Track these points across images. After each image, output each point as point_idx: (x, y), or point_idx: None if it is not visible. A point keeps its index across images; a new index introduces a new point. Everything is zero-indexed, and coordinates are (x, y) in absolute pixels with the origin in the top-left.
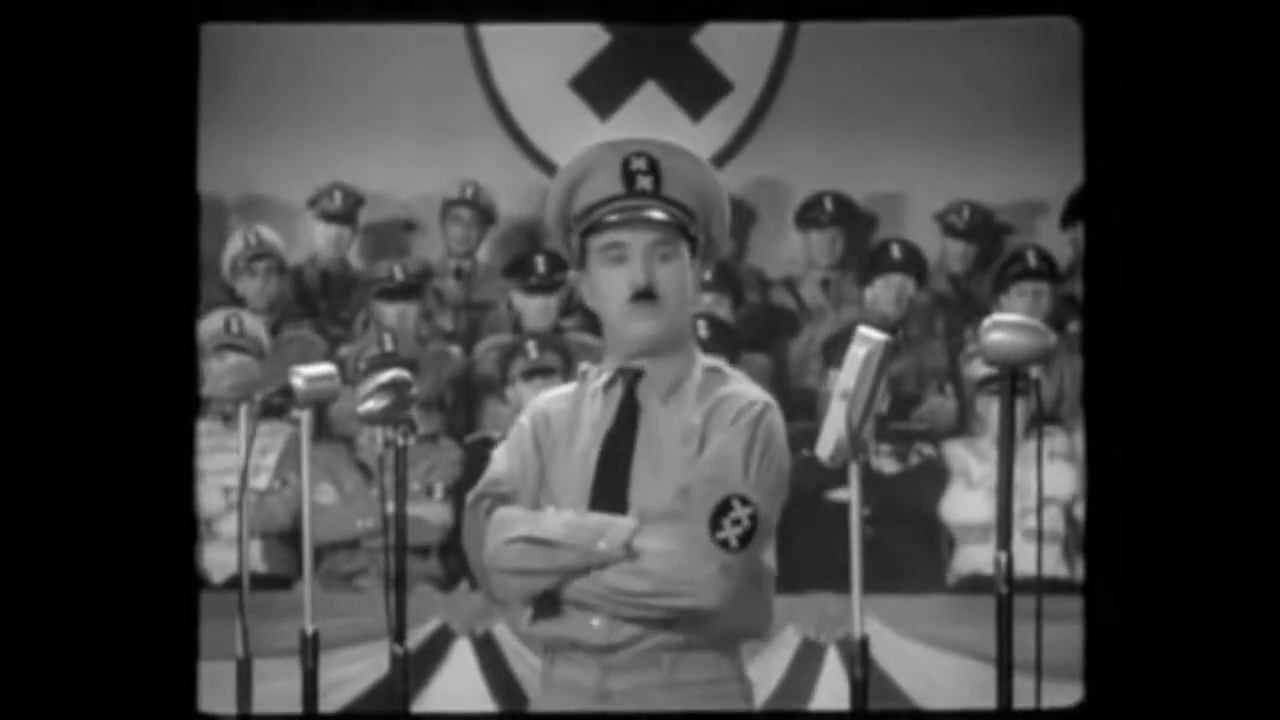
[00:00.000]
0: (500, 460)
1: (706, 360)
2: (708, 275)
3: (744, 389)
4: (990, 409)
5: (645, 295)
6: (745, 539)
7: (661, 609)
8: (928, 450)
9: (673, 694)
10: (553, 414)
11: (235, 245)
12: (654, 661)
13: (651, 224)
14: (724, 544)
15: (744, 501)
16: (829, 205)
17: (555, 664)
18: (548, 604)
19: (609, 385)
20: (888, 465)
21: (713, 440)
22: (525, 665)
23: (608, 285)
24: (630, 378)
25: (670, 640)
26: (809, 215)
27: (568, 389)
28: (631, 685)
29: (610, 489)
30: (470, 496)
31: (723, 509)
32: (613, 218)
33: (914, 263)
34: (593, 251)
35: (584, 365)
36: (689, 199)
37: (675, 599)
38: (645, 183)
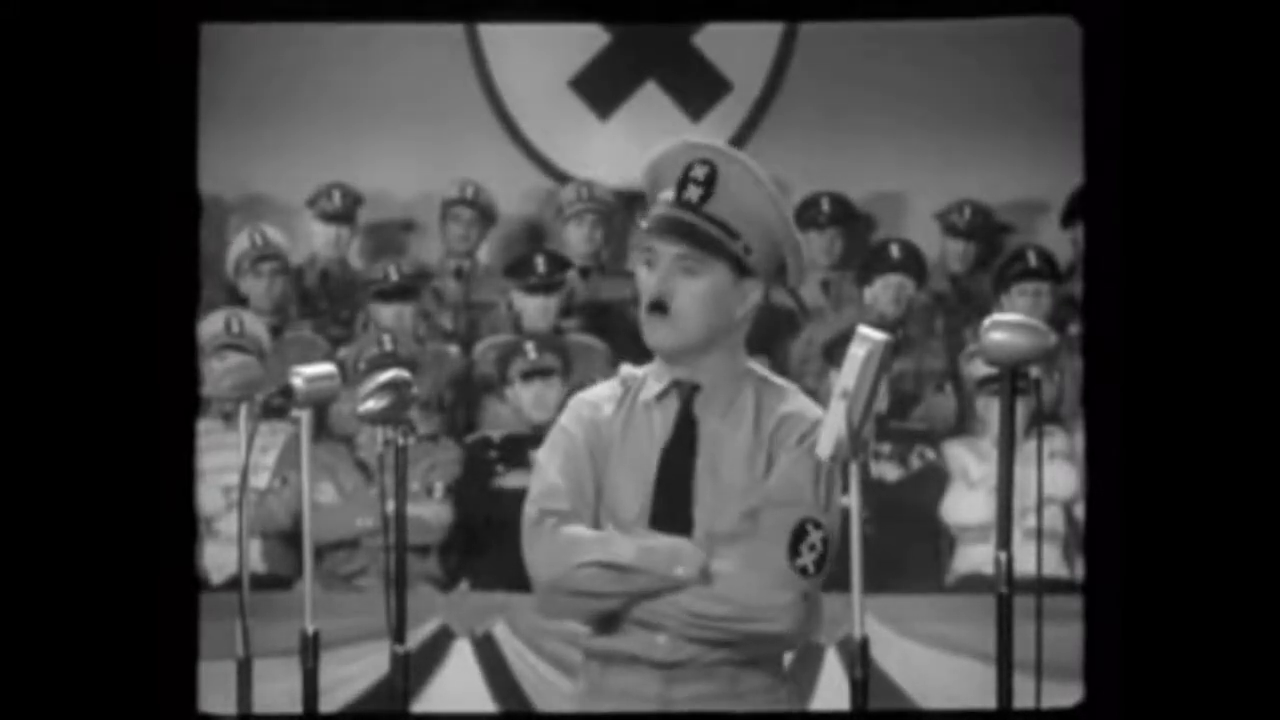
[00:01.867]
0: (553, 471)
1: (759, 371)
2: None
3: (802, 407)
4: (990, 409)
5: (656, 307)
6: (821, 564)
7: (739, 634)
8: (930, 454)
9: (735, 703)
10: (601, 422)
11: (241, 245)
12: (716, 674)
13: (679, 236)
14: (803, 571)
15: (817, 525)
16: (826, 206)
17: (609, 672)
18: (611, 621)
19: (662, 397)
20: (890, 472)
21: (779, 462)
22: (525, 665)
23: (640, 287)
24: (686, 392)
25: (732, 656)
26: (806, 215)
27: (610, 391)
28: (694, 694)
29: (672, 508)
30: (531, 510)
31: (799, 534)
32: (647, 224)
33: (913, 263)
34: (640, 251)
35: (625, 368)
36: (735, 219)
37: (754, 624)
38: (694, 193)
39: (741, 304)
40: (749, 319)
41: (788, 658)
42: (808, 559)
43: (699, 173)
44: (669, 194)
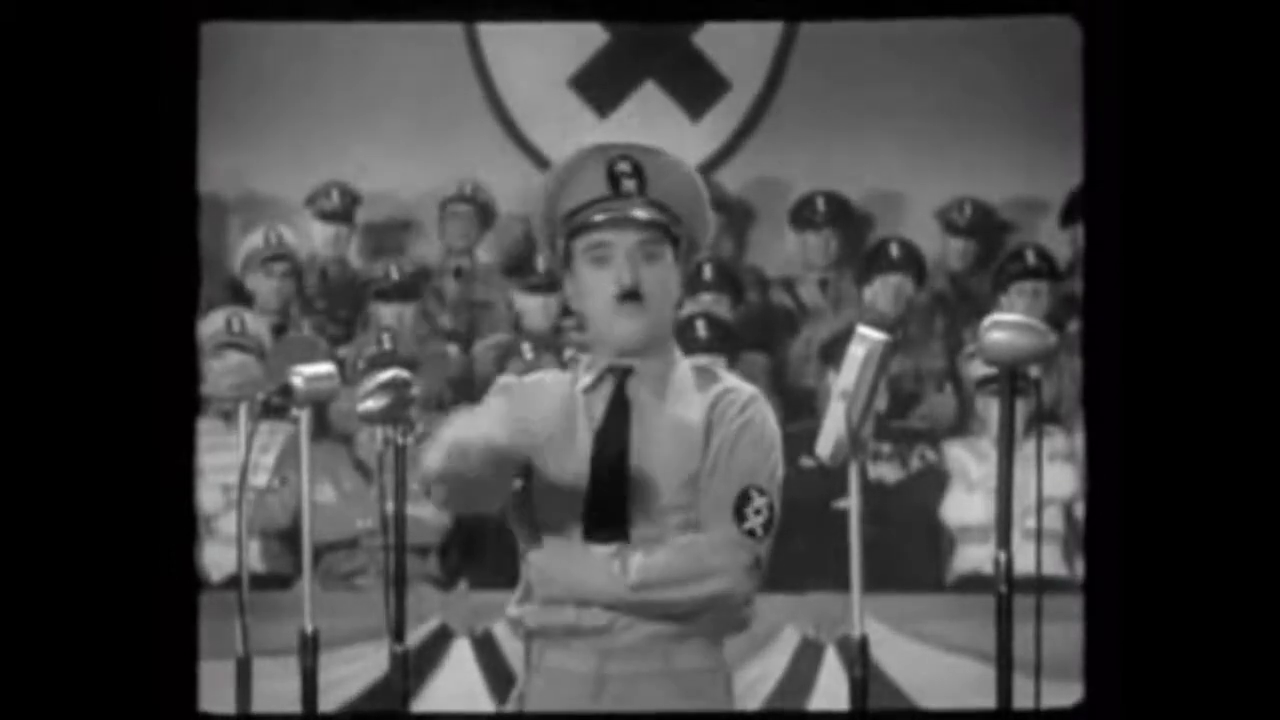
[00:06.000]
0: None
1: (690, 360)
2: (707, 273)
3: (736, 383)
4: (990, 409)
5: (630, 295)
6: (768, 527)
7: (688, 601)
8: (929, 455)
9: (668, 681)
10: (546, 401)
11: (254, 242)
12: (651, 649)
13: (636, 224)
14: (751, 534)
15: (761, 491)
16: (820, 205)
17: (546, 651)
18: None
19: (596, 384)
20: (889, 473)
21: (719, 433)
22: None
23: (593, 285)
24: (619, 375)
25: (666, 629)
26: (802, 215)
27: (557, 376)
28: (629, 671)
29: (609, 483)
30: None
31: (744, 500)
32: (598, 218)
33: (912, 262)
34: (578, 252)
35: (570, 352)
36: (671, 201)
37: (704, 587)
38: (630, 185)
39: (680, 286)
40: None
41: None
42: (755, 522)
43: (624, 167)
44: (596, 192)
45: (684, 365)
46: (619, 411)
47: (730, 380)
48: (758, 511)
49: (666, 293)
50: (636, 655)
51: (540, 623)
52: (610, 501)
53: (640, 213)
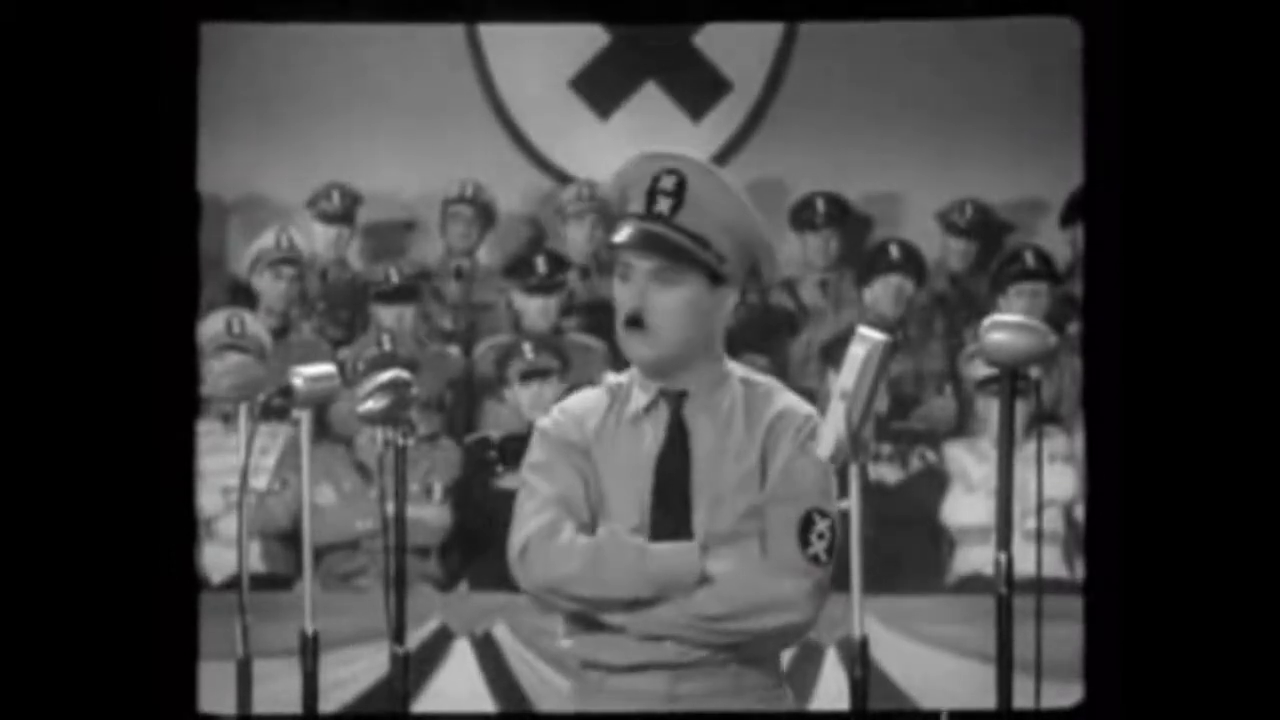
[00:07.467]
0: (545, 487)
1: (739, 371)
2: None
3: (792, 404)
4: (990, 409)
5: (632, 322)
6: (831, 551)
7: (752, 632)
8: (930, 456)
9: (737, 699)
10: (589, 440)
11: (265, 242)
12: (722, 670)
13: (653, 249)
14: (815, 559)
15: (823, 514)
16: (820, 206)
17: (609, 677)
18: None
19: (650, 408)
20: (890, 473)
21: (777, 461)
22: (525, 665)
23: (616, 302)
24: (674, 400)
25: (739, 654)
26: (802, 217)
27: (595, 401)
28: (700, 690)
29: (671, 516)
30: (515, 550)
31: (807, 524)
32: (618, 238)
33: (912, 263)
34: (615, 266)
35: (610, 377)
36: (707, 228)
37: (768, 618)
38: (664, 205)
39: (718, 311)
40: (725, 323)
41: (785, 656)
42: (819, 547)
43: (667, 183)
44: (638, 207)
45: (737, 385)
46: (677, 441)
47: (783, 400)
48: (821, 535)
49: (676, 321)
50: (707, 675)
51: (600, 658)
52: (674, 534)
53: (658, 239)
